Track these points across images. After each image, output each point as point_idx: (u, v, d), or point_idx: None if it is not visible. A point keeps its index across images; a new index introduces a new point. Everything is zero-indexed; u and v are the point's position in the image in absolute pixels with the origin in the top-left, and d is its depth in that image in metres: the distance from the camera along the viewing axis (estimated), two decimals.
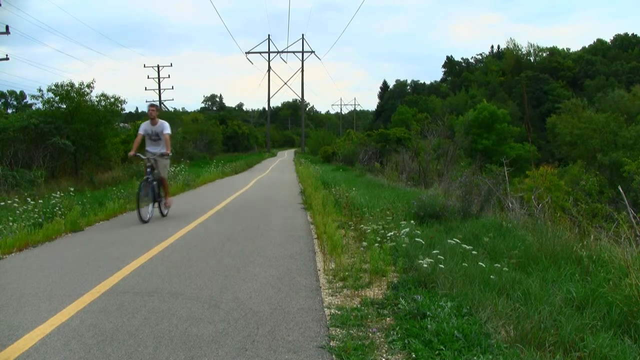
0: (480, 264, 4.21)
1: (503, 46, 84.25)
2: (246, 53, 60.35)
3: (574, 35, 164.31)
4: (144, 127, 8.41)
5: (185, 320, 3.43)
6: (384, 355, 2.89)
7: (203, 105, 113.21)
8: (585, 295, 3.57)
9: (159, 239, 6.49)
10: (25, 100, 66.43)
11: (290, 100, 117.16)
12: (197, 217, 8.54)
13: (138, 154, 8.26)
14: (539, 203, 7.57)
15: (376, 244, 5.06)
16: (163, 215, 8.59)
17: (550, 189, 10.30)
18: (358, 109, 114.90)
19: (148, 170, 8.09)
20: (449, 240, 4.95)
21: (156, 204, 8.43)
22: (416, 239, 5.05)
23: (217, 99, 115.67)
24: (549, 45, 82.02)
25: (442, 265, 4.14)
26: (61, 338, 3.10)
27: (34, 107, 25.93)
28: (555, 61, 71.62)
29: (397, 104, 69.70)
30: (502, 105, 46.72)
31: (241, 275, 4.65)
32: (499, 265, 4.20)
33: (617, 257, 4.16)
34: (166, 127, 8.37)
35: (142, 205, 7.91)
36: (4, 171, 13.03)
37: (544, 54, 77.75)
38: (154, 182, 8.14)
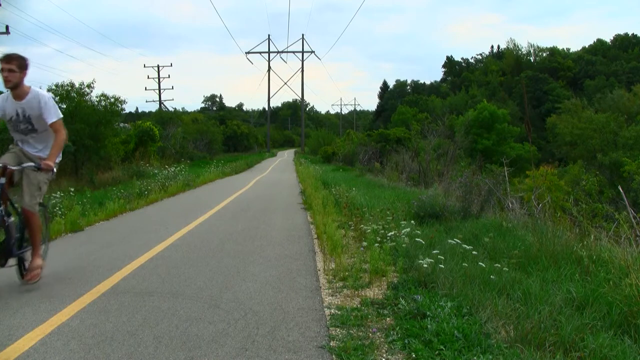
0: (480, 264, 4.21)
1: (503, 46, 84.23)
2: (246, 53, 60.42)
3: (574, 35, 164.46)
4: (1, 104, 4.22)
5: (185, 320, 3.43)
6: (384, 355, 2.89)
7: (203, 105, 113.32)
8: (585, 295, 3.57)
9: (158, 238, 6.49)
10: None
11: (290, 100, 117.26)
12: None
13: None
14: (539, 203, 7.57)
15: (376, 244, 5.07)
16: (23, 277, 4.28)
17: (550, 189, 10.32)
18: (358, 109, 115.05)
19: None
20: (449, 240, 4.95)
21: (11, 262, 4.16)
22: (416, 239, 5.05)
23: (217, 99, 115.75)
24: (549, 45, 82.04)
25: (442, 265, 4.14)
26: (61, 338, 3.10)
27: None
28: (555, 61, 71.56)
29: (397, 104, 69.63)
30: (502, 105, 46.72)
31: (241, 275, 4.65)
32: (499, 265, 4.20)
33: (617, 257, 4.16)
34: (48, 107, 4.18)
35: None
36: None
37: (544, 54, 77.70)
38: (11, 220, 4.11)
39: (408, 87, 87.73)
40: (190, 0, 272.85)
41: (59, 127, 4.24)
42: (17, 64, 4.05)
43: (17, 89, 4.11)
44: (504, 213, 7.29)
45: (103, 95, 18.79)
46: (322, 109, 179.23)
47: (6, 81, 4.04)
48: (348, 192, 10.50)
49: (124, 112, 22.00)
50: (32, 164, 4.13)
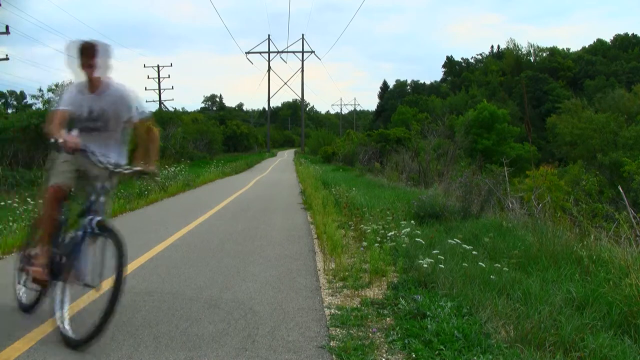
0: (480, 264, 4.21)
1: (503, 46, 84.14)
2: (246, 53, 60.31)
3: (574, 35, 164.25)
4: (73, 96, 3.41)
5: (185, 320, 3.43)
6: (384, 355, 2.89)
7: (203, 105, 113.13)
8: (585, 295, 3.57)
9: (158, 239, 6.49)
10: (25, 100, 66.57)
11: (290, 100, 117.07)
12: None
13: (83, 148, 3.24)
14: (539, 203, 7.57)
15: (376, 244, 5.07)
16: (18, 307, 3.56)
17: (550, 189, 10.31)
18: (358, 109, 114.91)
19: (89, 202, 3.49)
20: (449, 240, 4.95)
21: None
22: (416, 239, 5.05)
23: (217, 99, 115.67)
24: (549, 45, 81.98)
25: (442, 265, 4.14)
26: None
27: (34, 107, 25.93)
28: (555, 61, 71.53)
29: (397, 104, 69.56)
30: (502, 105, 46.66)
31: (241, 275, 4.65)
32: (499, 265, 4.20)
33: (617, 257, 4.16)
34: (135, 100, 3.47)
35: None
36: (4, 171, 13.04)
37: (544, 54, 77.68)
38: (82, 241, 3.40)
39: (408, 87, 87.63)
40: (190, 0, 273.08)
41: (152, 124, 3.59)
42: (98, 51, 3.28)
43: (97, 80, 3.36)
44: (504, 213, 7.29)
45: None
46: (322, 109, 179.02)
47: (89, 73, 3.30)
48: (348, 192, 10.50)
49: None
50: (138, 169, 3.55)
